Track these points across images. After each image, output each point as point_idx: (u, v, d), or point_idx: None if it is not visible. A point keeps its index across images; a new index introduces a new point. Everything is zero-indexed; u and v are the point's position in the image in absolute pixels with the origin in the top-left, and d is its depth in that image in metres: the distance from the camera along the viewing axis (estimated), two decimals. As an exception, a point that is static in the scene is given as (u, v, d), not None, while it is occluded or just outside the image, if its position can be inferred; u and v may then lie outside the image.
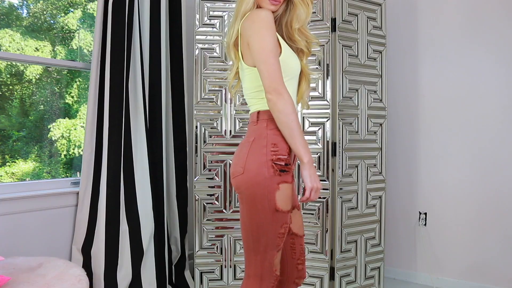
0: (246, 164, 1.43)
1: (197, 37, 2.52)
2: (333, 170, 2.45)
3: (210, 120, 2.52)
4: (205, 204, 2.54)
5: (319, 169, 2.45)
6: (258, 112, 1.50)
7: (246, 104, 1.60)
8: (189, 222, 2.86)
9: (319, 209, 2.46)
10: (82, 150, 2.60)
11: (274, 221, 1.41)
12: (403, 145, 2.97)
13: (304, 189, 1.46)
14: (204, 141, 2.52)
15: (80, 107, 2.67)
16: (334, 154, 2.44)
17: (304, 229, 1.67)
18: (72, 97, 2.67)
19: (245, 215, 1.47)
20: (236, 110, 2.51)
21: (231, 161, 2.48)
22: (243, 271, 2.50)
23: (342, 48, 2.46)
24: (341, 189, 2.46)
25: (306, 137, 2.47)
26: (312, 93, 2.47)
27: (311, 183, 1.41)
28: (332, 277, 2.46)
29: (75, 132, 2.61)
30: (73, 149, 2.60)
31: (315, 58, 2.46)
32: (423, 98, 2.90)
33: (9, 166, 2.41)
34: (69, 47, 2.61)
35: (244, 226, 1.48)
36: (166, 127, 2.69)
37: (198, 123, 2.52)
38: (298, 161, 1.44)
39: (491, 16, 2.65)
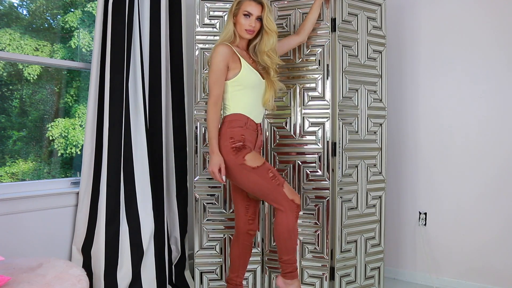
0: None
1: (197, 37, 2.52)
2: (333, 170, 2.45)
3: (210, 120, 2.51)
4: (205, 204, 2.54)
5: (320, 169, 2.45)
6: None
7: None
8: (189, 222, 2.86)
9: (319, 209, 2.46)
10: (80, 150, 2.60)
11: (260, 174, 2.04)
12: (403, 145, 2.97)
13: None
14: (204, 141, 2.52)
15: (79, 106, 2.67)
16: (334, 154, 2.44)
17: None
18: (72, 96, 2.67)
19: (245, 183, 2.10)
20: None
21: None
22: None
23: (342, 48, 2.46)
24: (341, 189, 2.46)
25: (306, 137, 2.48)
26: (312, 93, 2.47)
27: None
28: (332, 277, 2.47)
29: (73, 131, 2.61)
30: (71, 148, 2.59)
31: (315, 58, 2.46)
32: (423, 98, 2.90)
33: (9, 166, 2.41)
34: (68, 46, 2.61)
35: (252, 191, 2.12)
36: (166, 127, 2.69)
37: (198, 123, 2.52)
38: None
39: (490, 15, 2.65)
